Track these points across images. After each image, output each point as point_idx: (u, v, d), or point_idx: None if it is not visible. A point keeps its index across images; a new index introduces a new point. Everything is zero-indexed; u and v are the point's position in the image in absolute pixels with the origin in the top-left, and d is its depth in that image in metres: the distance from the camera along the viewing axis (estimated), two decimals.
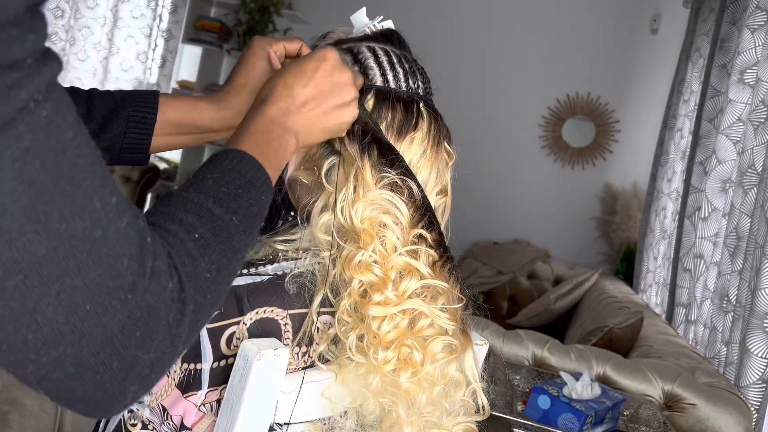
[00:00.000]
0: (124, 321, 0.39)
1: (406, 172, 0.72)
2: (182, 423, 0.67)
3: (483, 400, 0.77)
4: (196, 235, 0.48)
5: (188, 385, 0.66)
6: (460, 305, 0.74)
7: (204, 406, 0.67)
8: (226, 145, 0.60)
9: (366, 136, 0.71)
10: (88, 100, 0.72)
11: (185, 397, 0.66)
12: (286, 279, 0.70)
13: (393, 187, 0.70)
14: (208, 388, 0.67)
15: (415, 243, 0.71)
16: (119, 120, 0.72)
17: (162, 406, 0.67)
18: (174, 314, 0.43)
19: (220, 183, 0.54)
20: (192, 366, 0.66)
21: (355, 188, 0.70)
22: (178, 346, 0.45)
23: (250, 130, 0.61)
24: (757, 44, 2.21)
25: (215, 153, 0.58)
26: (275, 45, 0.78)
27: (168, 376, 0.66)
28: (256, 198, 0.56)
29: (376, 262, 0.69)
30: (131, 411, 0.67)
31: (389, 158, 0.71)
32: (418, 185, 0.72)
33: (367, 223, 0.69)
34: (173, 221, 0.48)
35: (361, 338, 0.68)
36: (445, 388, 0.73)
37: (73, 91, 0.73)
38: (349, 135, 0.71)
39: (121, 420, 0.67)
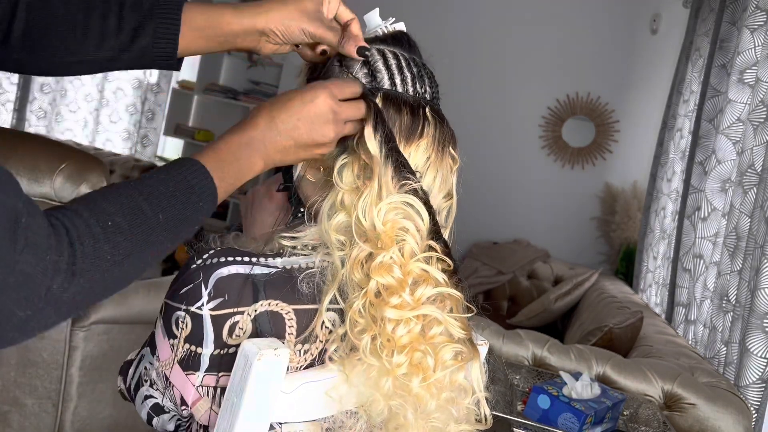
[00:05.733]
0: None
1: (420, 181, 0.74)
2: (182, 398, 0.69)
3: (486, 410, 0.78)
4: (110, 223, 0.55)
5: (188, 364, 0.68)
6: (469, 315, 0.75)
7: (201, 388, 0.69)
8: (192, 155, 0.65)
9: (390, 142, 0.72)
10: (119, 12, 0.75)
11: (185, 375, 0.69)
12: (300, 275, 0.71)
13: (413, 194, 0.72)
14: (206, 372, 0.68)
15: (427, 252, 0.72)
16: (146, 33, 0.75)
17: (165, 375, 0.69)
18: (59, 283, 0.50)
19: (161, 183, 0.61)
20: (193, 348, 0.68)
21: (377, 189, 0.70)
22: (61, 308, 0.53)
23: (219, 147, 0.67)
24: (756, 44, 2.21)
25: (176, 159, 0.64)
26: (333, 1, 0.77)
27: (172, 351, 0.68)
28: (193, 203, 0.62)
29: (395, 264, 0.70)
30: (146, 368, 0.72)
31: (406, 167, 0.73)
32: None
33: (388, 226, 0.70)
34: (92, 207, 0.55)
35: (373, 339, 0.69)
36: (452, 394, 0.74)
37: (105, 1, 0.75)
38: (375, 139, 0.72)
39: (141, 373, 0.73)
